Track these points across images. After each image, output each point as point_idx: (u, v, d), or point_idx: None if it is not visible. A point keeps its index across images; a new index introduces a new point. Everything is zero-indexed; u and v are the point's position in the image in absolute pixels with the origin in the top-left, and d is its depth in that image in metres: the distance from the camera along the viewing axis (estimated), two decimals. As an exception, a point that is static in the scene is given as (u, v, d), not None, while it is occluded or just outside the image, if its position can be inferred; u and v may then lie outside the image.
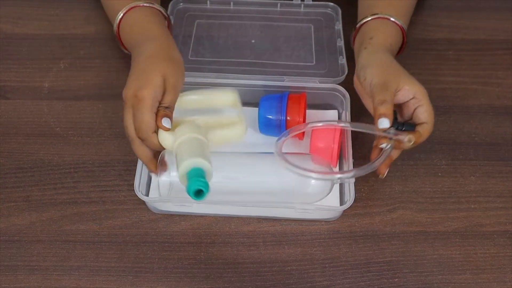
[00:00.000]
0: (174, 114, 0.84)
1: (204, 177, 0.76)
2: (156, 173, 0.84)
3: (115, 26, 0.96)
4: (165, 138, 0.82)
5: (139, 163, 0.89)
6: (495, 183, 0.95)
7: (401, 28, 0.96)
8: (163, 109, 0.81)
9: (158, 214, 0.91)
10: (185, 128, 0.82)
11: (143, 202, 0.90)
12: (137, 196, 0.87)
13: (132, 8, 0.94)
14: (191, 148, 0.80)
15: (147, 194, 0.92)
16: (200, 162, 0.78)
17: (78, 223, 0.90)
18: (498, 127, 1.01)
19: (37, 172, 0.95)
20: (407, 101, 0.87)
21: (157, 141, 0.82)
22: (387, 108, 0.83)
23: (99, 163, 0.96)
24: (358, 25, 0.97)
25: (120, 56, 1.07)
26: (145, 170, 0.90)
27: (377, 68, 0.88)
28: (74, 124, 1.00)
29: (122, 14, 0.94)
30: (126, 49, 0.98)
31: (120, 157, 0.96)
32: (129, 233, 0.89)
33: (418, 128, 0.86)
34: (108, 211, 0.91)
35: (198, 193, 0.75)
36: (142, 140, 0.82)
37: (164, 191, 0.87)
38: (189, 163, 0.77)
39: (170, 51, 0.87)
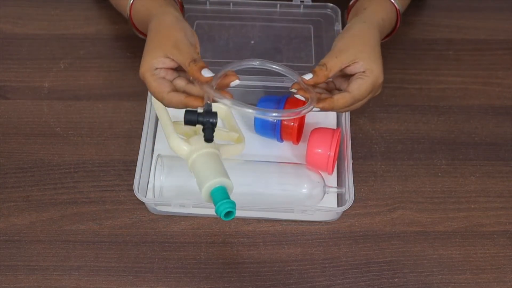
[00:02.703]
0: (174, 119, 0.86)
1: (229, 197, 0.79)
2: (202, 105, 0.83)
3: (127, 15, 0.96)
4: (180, 148, 0.84)
5: (139, 164, 0.89)
6: (495, 183, 0.95)
7: (397, 10, 0.95)
8: (193, 65, 0.81)
9: (158, 214, 0.91)
10: (200, 140, 0.84)
11: (143, 202, 0.90)
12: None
13: None
14: (211, 165, 0.83)
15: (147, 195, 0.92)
16: (223, 181, 0.81)
17: (78, 223, 0.90)
18: (498, 127, 1.01)
19: (37, 172, 0.95)
20: (356, 73, 0.86)
21: (175, 98, 0.82)
22: (320, 70, 0.84)
23: (99, 163, 0.96)
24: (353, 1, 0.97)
25: (120, 56, 1.08)
26: (144, 171, 0.91)
27: (348, 35, 0.88)
28: (74, 124, 1.00)
29: (132, 1, 0.94)
30: (143, 34, 0.98)
31: (120, 157, 0.96)
32: (129, 233, 0.89)
33: (337, 94, 0.85)
34: (108, 211, 0.91)
35: (228, 214, 0.78)
36: (164, 103, 0.84)
37: (156, 195, 0.89)
38: (213, 183, 0.80)
39: (168, 24, 0.87)
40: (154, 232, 0.90)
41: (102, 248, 0.88)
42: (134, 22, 0.96)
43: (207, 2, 1.10)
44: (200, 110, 0.81)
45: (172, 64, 0.84)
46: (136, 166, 0.89)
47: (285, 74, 0.86)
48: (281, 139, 0.96)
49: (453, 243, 0.90)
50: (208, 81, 0.81)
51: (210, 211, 0.82)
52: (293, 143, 0.96)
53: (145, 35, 0.92)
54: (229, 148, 0.90)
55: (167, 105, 0.84)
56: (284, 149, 0.97)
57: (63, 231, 0.89)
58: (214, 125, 0.80)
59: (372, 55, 0.86)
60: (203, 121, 0.79)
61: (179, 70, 0.85)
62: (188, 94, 0.83)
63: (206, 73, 0.81)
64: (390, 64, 1.07)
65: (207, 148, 0.84)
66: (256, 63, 0.86)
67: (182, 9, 1.02)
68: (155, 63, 0.83)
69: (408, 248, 0.89)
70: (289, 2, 1.11)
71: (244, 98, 0.98)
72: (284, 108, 0.93)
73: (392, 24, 0.96)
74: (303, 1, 1.10)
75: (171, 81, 0.84)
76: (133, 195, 0.87)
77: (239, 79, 0.83)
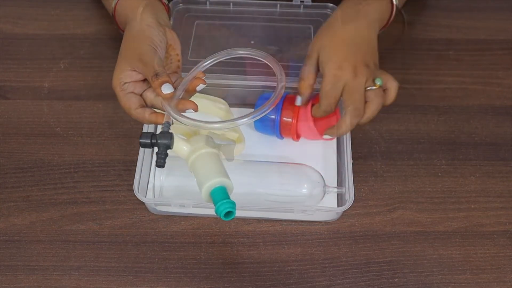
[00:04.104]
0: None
1: (229, 197, 0.79)
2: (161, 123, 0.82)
3: (111, 14, 0.95)
4: (180, 148, 0.84)
5: (139, 164, 0.89)
6: (495, 183, 0.95)
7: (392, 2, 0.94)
8: (155, 80, 0.80)
9: (158, 214, 0.91)
10: (200, 140, 0.84)
11: (143, 202, 0.90)
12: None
13: None
14: (211, 165, 0.82)
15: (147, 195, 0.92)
16: (223, 181, 0.80)
17: (78, 223, 0.90)
18: (498, 127, 1.01)
19: (37, 172, 0.95)
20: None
21: (141, 115, 0.82)
22: (301, 85, 0.88)
23: (99, 163, 0.96)
24: None
25: (120, 56, 1.07)
26: (144, 171, 0.91)
27: (318, 33, 0.89)
28: (74, 124, 1.00)
29: (114, 4, 0.93)
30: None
31: (120, 157, 0.96)
32: (129, 233, 0.89)
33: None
34: (108, 211, 0.91)
35: (227, 214, 0.78)
36: (133, 118, 0.83)
37: (156, 195, 0.89)
38: (213, 183, 0.80)
39: (134, 34, 0.86)
40: (154, 232, 0.90)
41: (102, 248, 0.88)
42: (118, 22, 0.95)
43: (207, 2, 1.10)
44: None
45: (140, 77, 0.83)
46: (136, 166, 0.89)
47: (254, 56, 0.86)
48: (281, 136, 0.96)
49: (453, 243, 0.90)
50: (167, 97, 0.79)
51: (210, 211, 0.82)
52: (293, 139, 0.96)
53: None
54: (229, 148, 0.90)
55: (136, 119, 0.83)
56: (284, 149, 0.97)
57: (63, 231, 0.89)
58: (167, 147, 0.78)
59: (332, 47, 0.86)
60: (157, 143, 0.78)
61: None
62: (154, 109, 0.82)
63: (166, 89, 0.79)
64: (390, 64, 1.07)
65: (207, 148, 0.84)
66: (222, 56, 0.86)
67: (168, 10, 1.00)
68: (123, 78, 0.82)
69: (408, 248, 0.89)
70: (289, 2, 1.11)
71: (244, 98, 0.98)
72: (282, 105, 0.93)
73: (385, 14, 0.94)
74: (303, 1, 1.10)
75: (141, 94, 0.83)
76: (133, 195, 0.87)
77: (205, 83, 0.82)
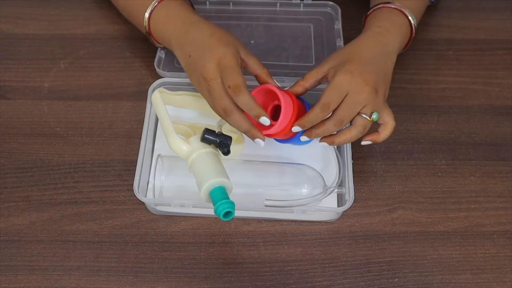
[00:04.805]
0: (173, 119, 0.86)
1: (228, 197, 0.80)
2: (263, 138, 0.85)
3: (145, 22, 0.95)
4: (180, 148, 0.84)
5: (139, 164, 0.89)
6: (495, 183, 0.95)
7: (411, 25, 0.94)
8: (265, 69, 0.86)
9: (158, 214, 0.91)
10: (199, 140, 0.84)
11: (143, 202, 0.90)
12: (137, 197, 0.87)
13: (160, 1, 0.94)
14: (210, 165, 0.83)
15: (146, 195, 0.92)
16: (222, 182, 0.81)
17: (78, 223, 0.90)
18: (498, 127, 1.01)
19: (37, 172, 0.95)
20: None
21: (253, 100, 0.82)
22: (299, 80, 0.87)
23: (99, 163, 0.96)
24: (370, 10, 0.96)
25: (120, 56, 1.07)
26: (144, 171, 0.91)
27: (345, 47, 0.90)
28: (74, 124, 1.00)
29: (151, 9, 0.94)
30: (158, 42, 0.98)
31: (120, 157, 0.96)
32: (129, 233, 0.89)
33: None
34: (108, 211, 0.91)
35: (227, 214, 0.79)
36: (241, 104, 0.82)
37: (156, 195, 0.89)
38: (212, 183, 0.81)
39: (221, 31, 0.89)
40: (154, 232, 0.90)
41: (102, 248, 0.88)
42: (151, 28, 0.96)
43: (207, 2, 1.11)
44: (218, 130, 0.85)
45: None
46: (136, 166, 0.89)
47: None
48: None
49: (453, 243, 0.90)
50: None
51: (210, 211, 0.82)
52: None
53: (157, 41, 0.95)
54: (231, 148, 0.90)
55: (238, 113, 0.84)
56: (284, 149, 0.96)
57: (63, 231, 0.89)
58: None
59: (348, 61, 0.85)
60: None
61: None
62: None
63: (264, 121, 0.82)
64: (390, 64, 1.07)
65: (206, 148, 0.84)
66: None
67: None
68: (236, 54, 0.84)
69: (408, 248, 0.89)
70: (289, 1, 1.11)
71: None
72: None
73: (405, 36, 0.95)
74: (303, 0, 1.10)
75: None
76: (133, 195, 0.87)
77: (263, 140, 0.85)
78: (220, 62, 0.83)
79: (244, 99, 0.81)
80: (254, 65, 0.87)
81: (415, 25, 0.95)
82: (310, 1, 1.10)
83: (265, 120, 0.82)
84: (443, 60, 1.10)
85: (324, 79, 0.87)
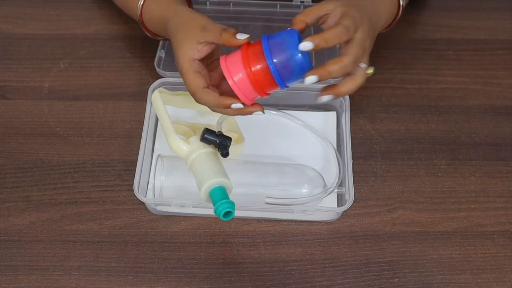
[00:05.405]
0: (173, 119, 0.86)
1: (228, 197, 0.80)
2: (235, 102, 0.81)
3: (138, 15, 0.95)
4: (180, 148, 0.84)
5: (139, 164, 0.89)
6: (495, 183, 0.95)
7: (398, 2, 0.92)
8: (225, 33, 0.80)
9: (158, 214, 0.91)
10: (199, 140, 0.84)
11: (143, 202, 0.90)
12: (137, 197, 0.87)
13: None
14: (210, 165, 0.83)
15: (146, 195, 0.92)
16: (222, 182, 0.81)
17: (78, 223, 0.90)
18: (498, 127, 1.01)
19: (37, 172, 0.95)
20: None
21: (212, 95, 0.81)
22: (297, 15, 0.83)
23: (99, 163, 0.96)
24: None
25: (120, 56, 1.07)
26: (144, 171, 0.91)
27: None
28: (74, 124, 1.00)
29: (142, 2, 0.94)
30: (156, 35, 0.97)
31: (120, 157, 0.96)
32: (129, 233, 0.89)
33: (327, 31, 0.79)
34: (108, 211, 0.91)
35: (226, 214, 0.79)
36: (197, 99, 0.82)
37: (156, 195, 0.89)
38: (212, 183, 0.81)
39: (184, 23, 0.86)
40: (154, 232, 0.90)
41: (102, 248, 0.88)
42: (144, 20, 0.95)
43: (207, 2, 1.11)
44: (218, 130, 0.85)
45: (207, 49, 0.82)
46: (136, 166, 0.89)
47: None
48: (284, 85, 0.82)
49: (453, 243, 0.90)
50: (246, 43, 0.79)
51: (210, 211, 0.82)
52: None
53: (154, 35, 0.94)
54: (231, 148, 0.90)
55: (201, 101, 0.82)
56: (284, 149, 0.96)
57: (63, 231, 0.89)
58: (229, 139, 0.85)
59: (352, 8, 0.80)
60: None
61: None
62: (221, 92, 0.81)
63: (241, 36, 0.79)
64: (390, 64, 1.07)
65: (206, 148, 0.84)
66: None
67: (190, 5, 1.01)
68: (190, 54, 0.82)
69: (408, 248, 0.89)
70: (289, 3, 1.11)
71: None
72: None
73: (391, 14, 0.92)
74: (303, 1, 1.10)
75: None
76: (133, 195, 0.87)
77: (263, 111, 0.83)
78: (179, 64, 0.83)
79: (207, 102, 0.81)
80: (216, 39, 0.81)
81: (403, 5, 0.92)
82: (311, 3, 1.10)
83: (237, 105, 0.80)
84: (443, 60, 1.10)
85: (325, 18, 0.82)
